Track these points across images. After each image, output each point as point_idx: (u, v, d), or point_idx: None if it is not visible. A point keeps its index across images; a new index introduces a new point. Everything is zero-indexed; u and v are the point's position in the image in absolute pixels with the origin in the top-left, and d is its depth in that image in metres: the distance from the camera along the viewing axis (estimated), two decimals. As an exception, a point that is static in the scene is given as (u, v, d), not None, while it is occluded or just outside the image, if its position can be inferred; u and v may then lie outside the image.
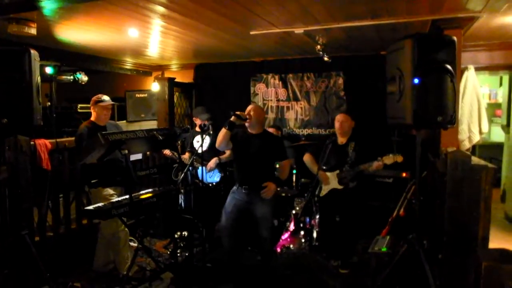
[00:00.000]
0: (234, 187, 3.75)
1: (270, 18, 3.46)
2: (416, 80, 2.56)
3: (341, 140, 4.00)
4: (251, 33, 3.86)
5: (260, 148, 3.61)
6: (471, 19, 3.22)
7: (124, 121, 6.14)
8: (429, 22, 3.43)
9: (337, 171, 3.84)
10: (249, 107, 3.64)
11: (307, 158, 4.11)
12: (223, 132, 3.51)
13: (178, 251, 4.13)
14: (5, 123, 2.59)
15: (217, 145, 3.66)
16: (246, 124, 3.58)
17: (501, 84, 6.94)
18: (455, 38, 2.63)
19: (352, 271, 3.79)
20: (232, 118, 3.44)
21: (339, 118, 3.96)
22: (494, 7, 2.94)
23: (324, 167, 3.92)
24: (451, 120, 2.65)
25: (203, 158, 4.14)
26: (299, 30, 3.70)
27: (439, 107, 2.60)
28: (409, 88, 2.59)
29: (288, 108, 5.80)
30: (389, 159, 3.53)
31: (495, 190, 6.08)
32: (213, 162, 4.56)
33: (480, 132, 4.12)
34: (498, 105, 7.23)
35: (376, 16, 3.36)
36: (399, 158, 3.51)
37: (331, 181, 3.86)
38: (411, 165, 2.91)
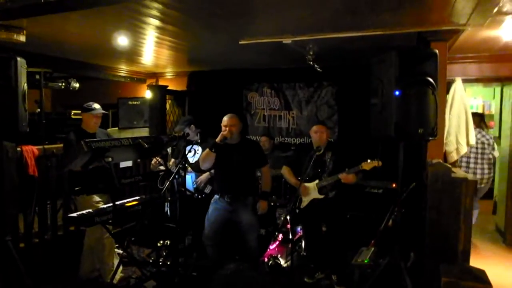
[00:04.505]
0: (216, 196, 3.78)
1: (259, 28, 3.49)
2: (397, 93, 2.58)
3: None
4: (240, 42, 3.89)
5: (241, 157, 3.65)
6: (456, 32, 3.25)
7: (116, 128, 6.15)
8: (416, 34, 3.46)
9: (316, 181, 3.84)
10: (227, 122, 3.60)
11: (284, 171, 4.09)
12: (209, 154, 3.57)
13: (160, 260, 4.11)
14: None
15: (201, 166, 3.73)
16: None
17: (494, 96, 6.95)
18: (436, 51, 2.66)
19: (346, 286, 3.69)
20: (217, 141, 3.51)
21: (317, 129, 3.94)
22: (477, 21, 2.96)
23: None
24: (433, 132, 2.66)
25: (196, 169, 4.13)
26: (287, 40, 3.73)
27: (421, 119, 2.61)
28: (391, 100, 2.61)
29: (280, 117, 5.82)
30: (367, 165, 3.51)
31: (488, 202, 6.10)
32: (204, 177, 4.38)
33: (468, 144, 4.11)
34: (491, 117, 7.23)
35: (363, 28, 3.39)
36: (378, 163, 3.50)
37: (311, 192, 3.84)
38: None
